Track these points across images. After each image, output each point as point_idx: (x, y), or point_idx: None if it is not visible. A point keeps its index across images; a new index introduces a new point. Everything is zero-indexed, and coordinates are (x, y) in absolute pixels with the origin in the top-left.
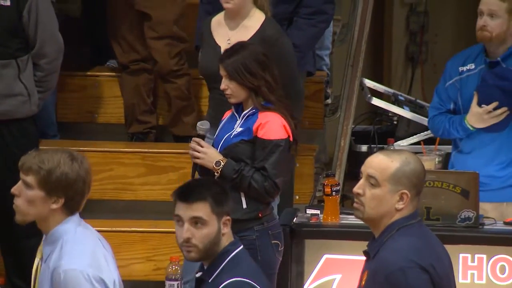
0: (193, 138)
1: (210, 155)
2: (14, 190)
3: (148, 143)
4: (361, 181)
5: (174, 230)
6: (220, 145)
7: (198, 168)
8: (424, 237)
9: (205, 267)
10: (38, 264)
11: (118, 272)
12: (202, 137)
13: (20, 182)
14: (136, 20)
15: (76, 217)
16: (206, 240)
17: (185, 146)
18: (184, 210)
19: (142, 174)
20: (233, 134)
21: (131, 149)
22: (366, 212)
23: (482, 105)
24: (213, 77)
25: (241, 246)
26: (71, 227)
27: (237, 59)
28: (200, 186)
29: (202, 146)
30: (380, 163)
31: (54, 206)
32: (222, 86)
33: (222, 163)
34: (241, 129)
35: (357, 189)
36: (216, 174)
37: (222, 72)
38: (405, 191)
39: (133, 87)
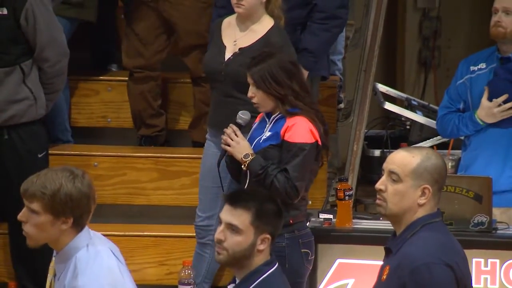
0: (230, 125)
1: (242, 146)
2: (20, 217)
3: (160, 148)
4: (383, 178)
5: (186, 234)
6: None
7: (227, 158)
8: (448, 235)
9: (237, 281)
10: (51, 281)
11: (132, 279)
12: (239, 126)
13: (25, 209)
14: (157, 25)
15: (85, 232)
16: (237, 248)
17: (198, 151)
18: (225, 213)
19: (155, 179)
20: (262, 138)
21: (144, 154)
22: (389, 207)
23: (493, 100)
24: (213, 76)
25: (275, 266)
26: (82, 243)
27: (263, 67)
28: (250, 195)
29: (237, 136)
30: (401, 158)
31: (64, 226)
32: (249, 94)
33: (250, 157)
34: (270, 133)
35: (379, 185)
36: (243, 167)
37: (249, 80)
38: (427, 185)
39: (138, 94)
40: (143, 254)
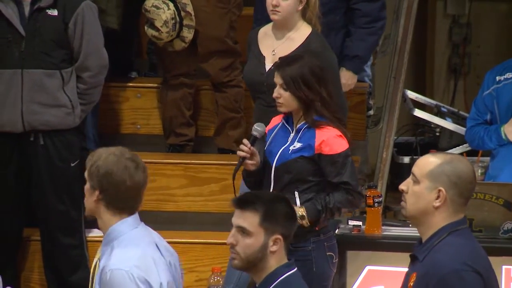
0: (244, 140)
1: None
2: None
3: (190, 155)
4: (408, 179)
5: (215, 241)
6: (276, 159)
7: (244, 172)
8: (474, 241)
9: (257, 286)
10: (96, 263)
11: (177, 277)
12: (255, 138)
13: None
14: None
15: (132, 219)
16: (248, 251)
17: (228, 157)
18: (235, 217)
19: (184, 185)
20: (290, 149)
21: (173, 160)
22: (407, 209)
23: None
24: (256, 87)
25: (294, 269)
26: (125, 229)
27: (295, 69)
28: (258, 197)
29: None
30: (423, 160)
31: (93, 197)
32: (275, 94)
33: (305, 215)
34: (300, 144)
35: (402, 185)
36: (307, 227)
37: (278, 80)
38: (442, 188)
39: (171, 100)
40: None
